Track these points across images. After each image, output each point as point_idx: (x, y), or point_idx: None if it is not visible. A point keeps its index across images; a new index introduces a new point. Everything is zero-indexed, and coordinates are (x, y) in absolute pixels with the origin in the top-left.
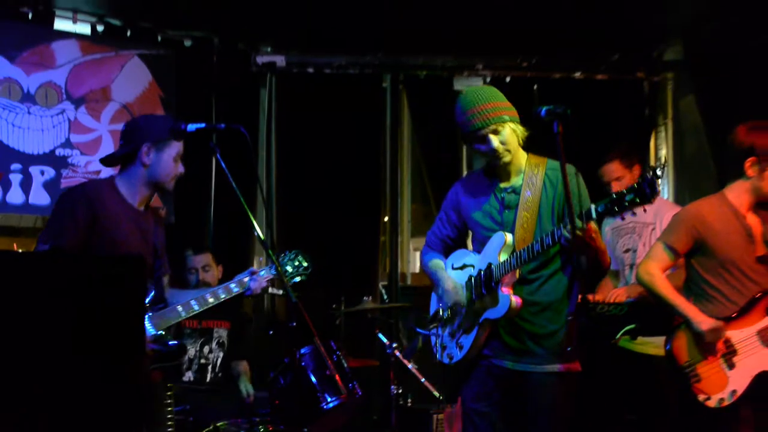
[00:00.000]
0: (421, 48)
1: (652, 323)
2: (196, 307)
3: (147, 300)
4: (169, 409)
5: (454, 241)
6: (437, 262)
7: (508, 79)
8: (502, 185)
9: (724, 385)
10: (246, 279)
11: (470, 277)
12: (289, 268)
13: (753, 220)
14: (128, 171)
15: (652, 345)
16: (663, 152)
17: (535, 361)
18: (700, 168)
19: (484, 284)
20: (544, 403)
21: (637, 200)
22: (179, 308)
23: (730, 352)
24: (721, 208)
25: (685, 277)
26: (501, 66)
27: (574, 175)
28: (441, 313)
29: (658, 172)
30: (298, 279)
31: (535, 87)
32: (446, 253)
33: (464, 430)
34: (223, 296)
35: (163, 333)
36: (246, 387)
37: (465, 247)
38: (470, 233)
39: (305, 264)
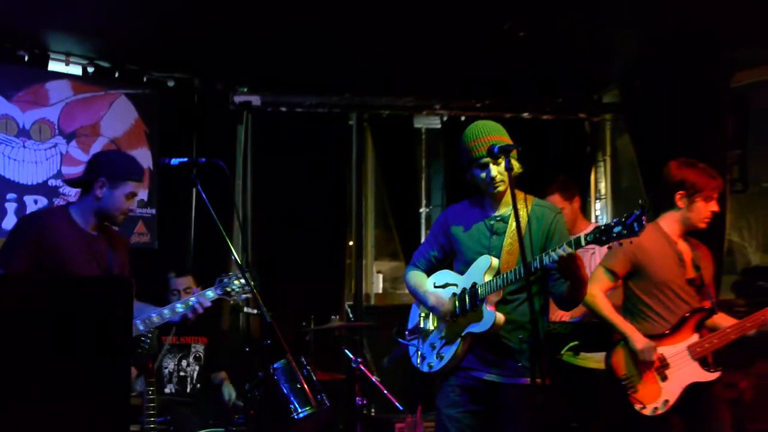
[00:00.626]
0: (384, 90)
1: (593, 340)
2: (141, 328)
3: None
4: (152, 419)
5: (439, 261)
6: (420, 280)
7: (463, 118)
8: (492, 213)
9: (657, 395)
10: (191, 301)
11: (453, 294)
12: (235, 287)
13: (684, 247)
14: (83, 199)
15: (593, 360)
16: (602, 185)
17: (511, 374)
18: (635, 199)
19: (470, 301)
20: (517, 412)
21: (624, 233)
22: (138, 323)
23: (663, 366)
24: (655, 236)
25: (623, 298)
26: (456, 107)
27: (560, 214)
28: (422, 325)
29: (646, 208)
30: (244, 296)
31: None
32: (429, 272)
33: None
34: (168, 315)
35: None
36: (229, 391)
37: (448, 268)
38: (455, 256)
39: (250, 282)
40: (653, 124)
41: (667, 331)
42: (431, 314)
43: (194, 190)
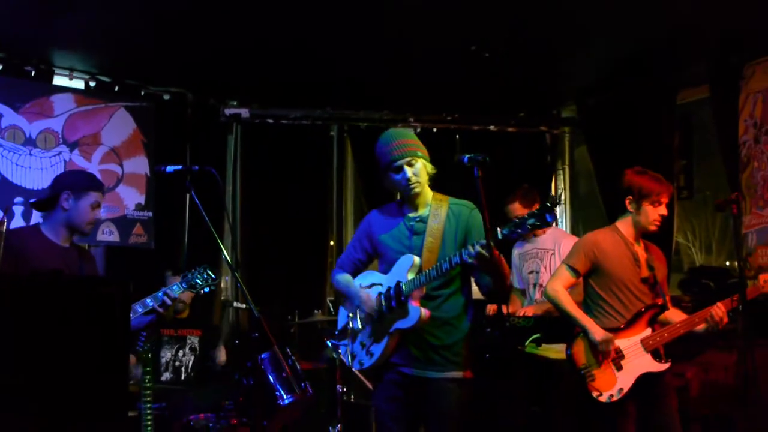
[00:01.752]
0: (363, 104)
1: (553, 333)
2: None
3: None
4: (149, 406)
5: (364, 264)
6: (348, 280)
7: (435, 130)
8: (411, 215)
9: (613, 384)
10: (158, 294)
11: (380, 293)
12: (199, 281)
13: (639, 248)
14: (51, 215)
15: (553, 350)
16: (561, 192)
17: (436, 369)
18: (591, 204)
19: (395, 298)
20: (443, 405)
21: (538, 223)
22: None
23: (618, 357)
24: (613, 237)
25: (583, 294)
26: (429, 120)
27: (475, 209)
28: (351, 325)
29: (556, 201)
30: (207, 289)
31: (457, 137)
32: (354, 274)
33: (377, 428)
34: (139, 310)
35: None
36: (220, 354)
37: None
38: (379, 258)
39: (213, 276)
40: (607, 136)
41: (623, 326)
42: (358, 314)
43: (188, 195)
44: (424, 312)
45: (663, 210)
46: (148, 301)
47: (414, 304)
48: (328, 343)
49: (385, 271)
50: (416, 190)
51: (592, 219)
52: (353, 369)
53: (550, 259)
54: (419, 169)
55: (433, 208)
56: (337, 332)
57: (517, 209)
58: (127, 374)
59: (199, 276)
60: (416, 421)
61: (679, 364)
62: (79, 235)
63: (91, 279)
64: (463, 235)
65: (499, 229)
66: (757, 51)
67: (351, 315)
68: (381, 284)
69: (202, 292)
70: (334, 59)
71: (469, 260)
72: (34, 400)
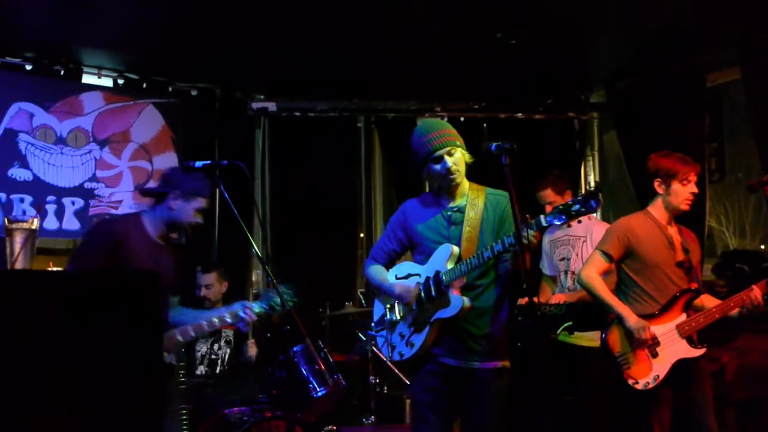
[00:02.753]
0: (390, 94)
1: (586, 321)
2: (192, 334)
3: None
4: (183, 406)
5: (398, 255)
6: (382, 272)
7: (462, 119)
8: (449, 205)
9: (649, 371)
10: (239, 312)
11: (417, 284)
12: (278, 300)
13: (673, 231)
14: (155, 209)
15: (586, 338)
16: (591, 178)
17: (476, 359)
18: (621, 190)
19: (435, 288)
20: (485, 395)
21: (583, 210)
22: (190, 329)
23: (654, 344)
24: (646, 222)
25: (616, 281)
26: (456, 108)
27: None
28: (388, 316)
29: (600, 188)
30: (279, 310)
31: (485, 125)
32: (388, 265)
33: (414, 419)
34: (218, 324)
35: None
36: (251, 350)
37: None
38: (414, 248)
39: (294, 299)
40: (637, 120)
41: (657, 311)
42: (397, 305)
43: (217, 190)
44: (466, 301)
45: (693, 188)
46: (227, 318)
47: (455, 294)
48: (361, 335)
49: (422, 262)
50: (457, 180)
51: (622, 205)
52: (393, 360)
53: (581, 246)
54: (458, 159)
55: (471, 198)
56: (373, 324)
57: (549, 195)
58: (158, 371)
59: (278, 297)
60: (453, 412)
61: (715, 348)
62: (177, 233)
63: (120, 272)
64: (500, 224)
65: (542, 216)
66: None
67: (388, 306)
68: (419, 274)
69: (279, 310)
70: (360, 50)
71: (510, 248)
72: (60, 400)
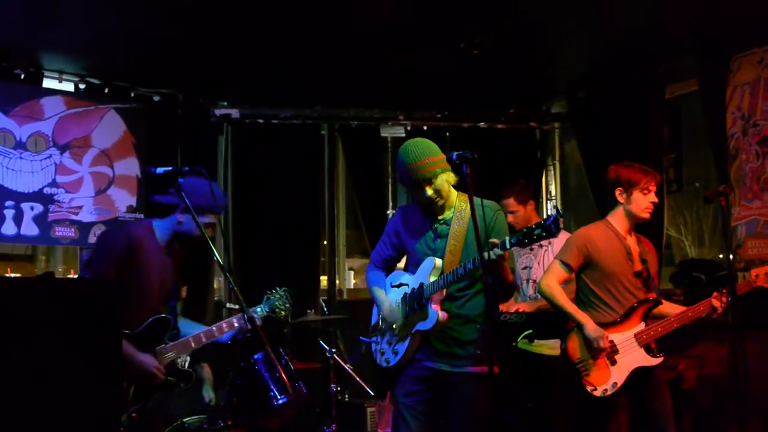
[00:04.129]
0: (353, 102)
1: (546, 329)
2: (204, 340)
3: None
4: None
5: (395, 259)
6: (378, 281)
7: (425, 128)
8: (438, 216)
9: (607, 378)
10: (233, 323)
11: (405, 294)
12: (278, 304)
13: (632, 241)
14: (165, 220)
15: (546, 346)
16: (552, 187)
17: (460, 363)
18: (582, 199)
19: (417, 301)
20: (466, 397)
21: (544, 234)
22: (191, 341)
23: (612, 351)
24: (605, 232)
25: (575, 290)
26: (419, 117)
27: (499, 211)
28: (380, 324)
29: (561, 212)
30: (283, 313)
31: (448, 134)
32: (388, 269)
33: (395, 422)
34: (226, 329)
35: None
36: (208, 393)
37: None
38: (407, 256)
39: (291, 304)
40: (597, 131)
41: (618, 319)
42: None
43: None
44: (442, 315)
45: (653, 197)
46: (235, 323)
47: (433, 307)
48: (363, 339)
49: (413, 272)
50: (439, 203)
51: (582, 214)
52: (380, 366)
53: (543, 255)
54: (440, 185)
55: (457, 210)
56: (371, 327)
57: (512, 205)
58: (116, 377)
59: (278, 300)
60: (435, 416)
61: (672, 357)
62: (180, 241)
63: (73, 280)
64: (486, 235)
65: (507, 238)
66: (744, 44)
67: (381, 314)
68: (408, 284)
69: (279, 316)
70: (324, 58)
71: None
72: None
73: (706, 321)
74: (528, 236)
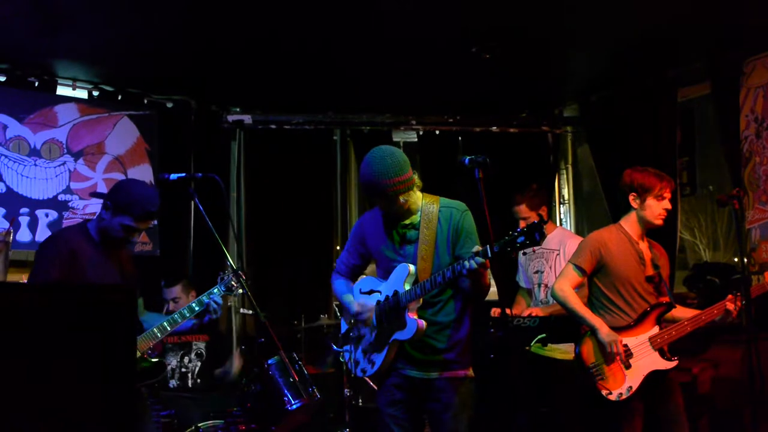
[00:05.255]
0: (365, 108)
1: (559, 333)
2: (168, 328)
3: None
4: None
5: (360, 268)
6: (343, 288)
7: (437, 132)
8: (403, 222)
9: (622, 382)
10: (203, 298)
11: (378, 302)
12: (234, 282)
13: (644, 246)
14: (97, 216)
15: (559, 351)
16: (565, 191)
17: (439, 369)
18: (594, 202)
19: (393, 309)
20: (449, 405)
21: (527, 242)
22: (156, 331)
23: (627, 355)
24: (618, 236)
25: (588, 294)
26: (431, 122)
27: (467, 212)
28: (352, 332)
29: (543, 221)
30: (240, 290)
31: (460, 139)
32: (353, 277)
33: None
34: (187, 315)
35: (142, 355)
36: (234, 364)
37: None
38: (375, 263)
39: (244, 277)
40: (609, 134)
41: (631, 323)
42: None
43: (192, 202)
44: (421, 324)
45: (667, 204)
46: (195, 306)
47: (411, 316)
48: (335, 348)
49: (384, 277)
50: (404, 208)
51: (595, 218)
52: (357, 376)
53: (555, 260)
54: (402, 198)
55: (424, 213)
56: (340, 336)
57: (524, 211)
58: (132, 384)
59: (233, 279)
60: (418, 424)
61: (685, 360)
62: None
63: (96, 286)
64: (456, 238)
65: (488, 246)
66: (757, 46)
67: (352, 322)
68: (380, 291)
69: (238, 293)
70: (335, 64)
71: (462, 274)
72: (35, 412)
73: (721, 324)
74: (511, 244)
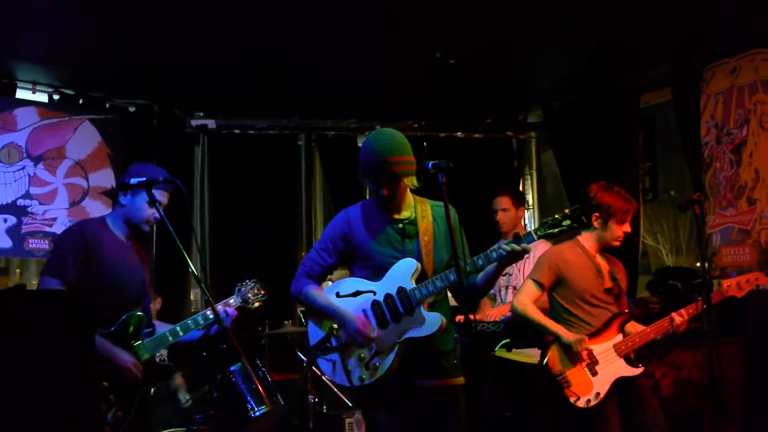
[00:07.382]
0: (330, 113)
1: (524, 338)
2: (181, 333)
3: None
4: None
5: (334, 268)
6: (324, 295)
7: None
8: (397, 217)
9: (589, 389)
10: (219, 307)
11: (375, 302)
12: (251, 295)
13: (601, 260)
14: (114, 209)
15: (524, 355)
16: (529, 196)
17: (445, 376)
18: (559, 207)
19: (403, 306)
20: (457, 413)
21: (574, 225)
22: (167, 334)
23: (593, 362)
24: (576, 251)
25: (548, 308)
26: (395, 127)
27: (453, 209)
28: (335, 340)
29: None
30: (257, 304)
31: (425, 144)
32: (321, 281)
33: None
34: (201, 322)
35: (152, 356)
36: (183, 396)
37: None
38: (358, 262)
39: (264, 291)
40: (573, 140)
41: (594, 331)
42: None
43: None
44: (444, 319)
45: (627, 227)
46: (208, 313)
47: (432, 311)
48: (304, 359)
49: (371, 277)
50: (397, 202)
51: None
52: (354, 386)
53: (525, 262)
54: (403, 183)
55: (418, 209)
56: (311, 347)
57: (506, 203)
58: (94, 389)
59: (250, 291)
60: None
61: (649, 364)
62: (136, 233)
63: (52, 292)
64: (459, 237)
65: (533, 229)
66: (717, 53)
67: (335, 327)
68: (373, 291)
69: (254, 306)
70: (300, 68)
71: (499, 259)
72: None
73: (683, 331)
74: (556, 226)
